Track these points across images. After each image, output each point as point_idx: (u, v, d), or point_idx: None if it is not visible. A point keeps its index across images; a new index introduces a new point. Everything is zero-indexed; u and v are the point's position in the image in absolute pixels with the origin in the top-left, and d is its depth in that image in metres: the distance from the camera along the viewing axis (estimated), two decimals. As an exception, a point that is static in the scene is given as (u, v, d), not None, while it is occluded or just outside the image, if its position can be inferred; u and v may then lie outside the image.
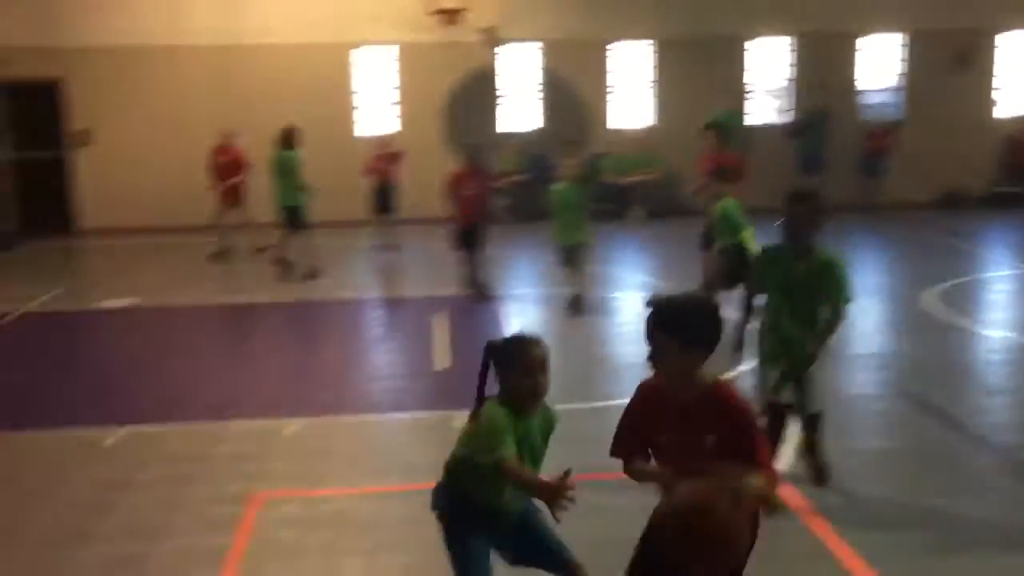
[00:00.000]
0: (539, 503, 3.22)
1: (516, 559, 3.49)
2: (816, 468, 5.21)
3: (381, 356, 8.47)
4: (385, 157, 13.30)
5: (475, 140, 10.90)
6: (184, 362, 8.27)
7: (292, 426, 6.26)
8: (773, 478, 3.06)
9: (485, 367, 3.27)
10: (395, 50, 15.91)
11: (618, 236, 14.26)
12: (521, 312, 9.55)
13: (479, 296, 10.00)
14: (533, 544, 3.42)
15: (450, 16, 14.99)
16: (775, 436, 5.05)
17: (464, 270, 10.13)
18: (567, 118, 16.14)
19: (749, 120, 16.58)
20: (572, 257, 9.51)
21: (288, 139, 11.55)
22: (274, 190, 11.52)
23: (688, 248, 10.28)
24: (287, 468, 5.61)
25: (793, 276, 5.00)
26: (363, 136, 15.50)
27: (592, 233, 9.62)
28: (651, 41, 16.44)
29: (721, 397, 3.03)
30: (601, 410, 6.52)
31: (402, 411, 6.67)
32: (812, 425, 5.20)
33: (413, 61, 15.89)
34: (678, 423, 3.06)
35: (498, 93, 16.35)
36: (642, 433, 3.16)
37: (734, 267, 7.99)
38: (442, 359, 7.97)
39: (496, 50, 15.96)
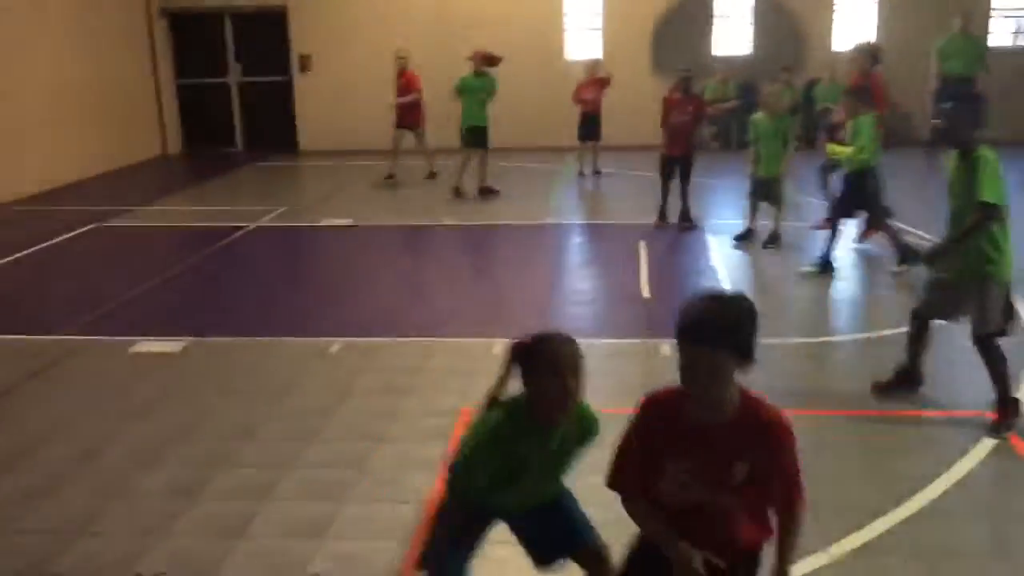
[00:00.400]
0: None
1: (539, 548, 3.08)
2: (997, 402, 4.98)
3: (585, 282, 8.51)
4: (592, 83, 13.19)
5: (687, 66, 10.54)
6: (395, 280, 8.61)
7: (499, 346, 6.41)
8: (801, 514, 2.57)
9: (507, 370, 2.83)
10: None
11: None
12: (722, 244, 9.32)
13: (683, 226, 9.88)
14: (555, 527, 3.04)
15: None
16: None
17: (668, 199, 10.01)
18: (781, 43, 15.43)
19: (988, 43, 15.26)
20: (767, 191, 9.18)
21: (482, 64, 11.87)
22: (461, 110, 11.94)
23: (904, 181, 9.70)
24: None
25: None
26: (573, 61, 15.42)
27: (789, 166, 9.24)
28: (879, -42, 15.39)
29: (758, 414, 2.48)
30: (817, 345, 6.34)
31: (606, 337, 6.69)
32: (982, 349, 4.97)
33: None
34: (698, 448, 2.49)
35: (711, 15, 15.79)
36: (650, 460, 2.56)
37: (857, 190, 8.09)
38: (646, 287, 7.94)
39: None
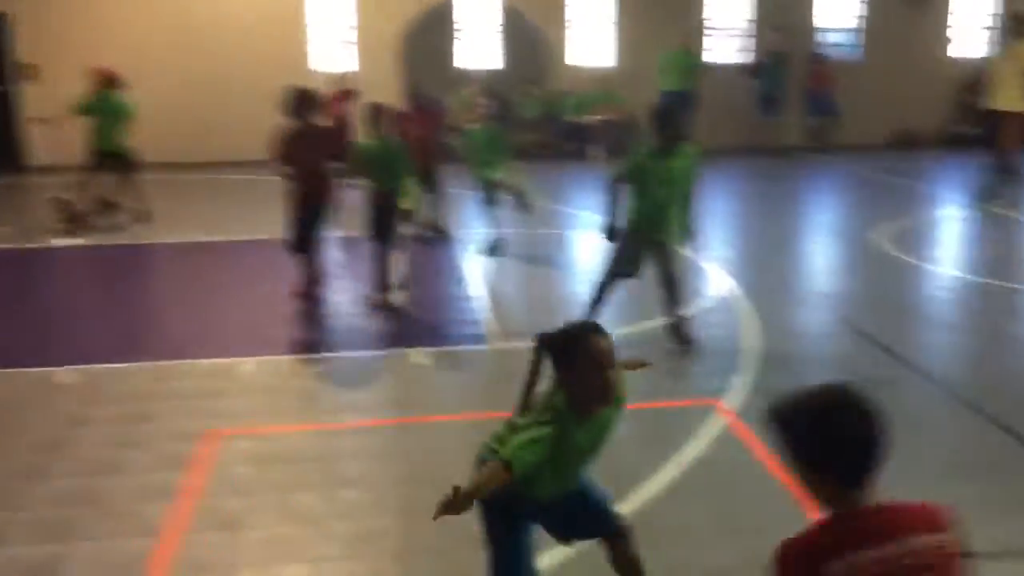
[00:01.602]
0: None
1: (564, 532, 3.20)
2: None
3: (330, 293, 8.43)
4: (341, 96, 13.12)
5: (425, 81, 10.70)
6: (125, 303, 8.16)
7: (246, 365, 6.24)
8: None
9: (537, 363, 2.85)
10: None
11: (577, 175, 14.27)
12: (467, 252, 9.54)
13: (435, 234, 10.02)
14: (581, 510, 3.12)
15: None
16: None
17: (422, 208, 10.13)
18: (529, 56, 16.00)
19: (708, 59, 16.55)
20: (489, 195, 9.54)
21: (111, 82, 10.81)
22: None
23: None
24: (243, 406, 5.61)
25: None
26: (319, 71, 15.25)
27: (508, 170, 9.62)
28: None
29: None
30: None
31: (355, 350, 6.67)
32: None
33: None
34: None
35: (456, 31, 16.12)
36: None
37: None
38: (397, 296, 7.98)
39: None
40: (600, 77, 16.25)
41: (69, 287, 8.89)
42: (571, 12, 16.38)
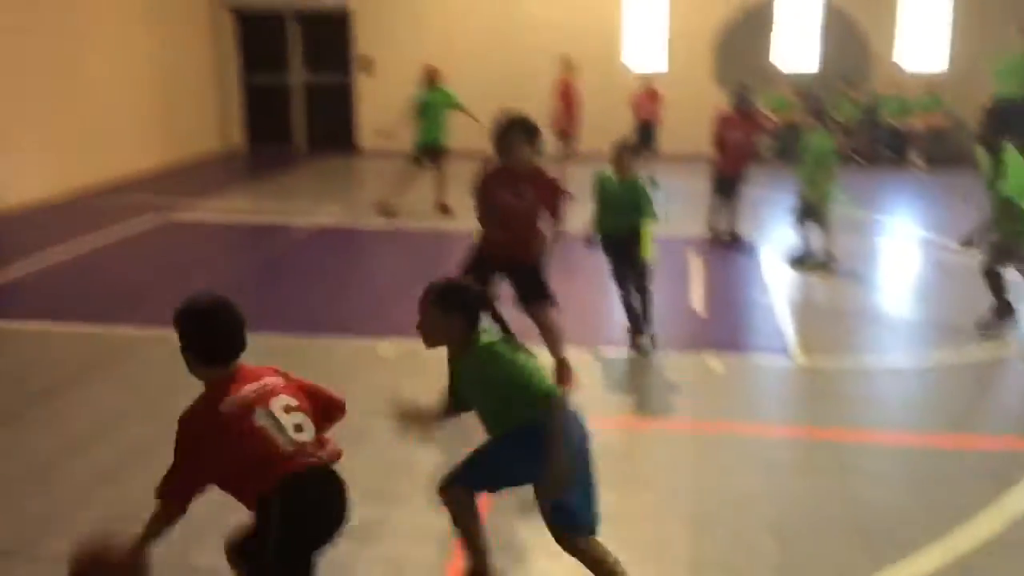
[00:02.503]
0: None
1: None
2: None
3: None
4: (648, 95, 13.19)
5: (746, 82, 10.42)
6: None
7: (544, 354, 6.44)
8: None
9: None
10: (668, -18, 15.63)
11: (894, 183, 13.48)
12: (772, 261, 9.25)
13: (731, 242, 9.82)
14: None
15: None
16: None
17: (715, 216, 9.96)
18: (848, 57, 15.28)
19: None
20: (807, 212, 8.94)
21: (430, 79, 11.35)
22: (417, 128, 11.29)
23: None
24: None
25: None
26: (632, 71, 15.42)
27: (835, 191, 8.94)
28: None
29: None
30: (861, 369, 6.28)
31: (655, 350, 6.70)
32: None
33: (686, -6, 15.55)
34: None
35: (774, 29, 15.67)
36: None
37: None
38: (697, 301, 7.92)
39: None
40: (925, 80, 15.18)
41: (388, 265, 9.61)
42: (901, 11, 15.40)
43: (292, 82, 17.08)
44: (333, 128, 17.01)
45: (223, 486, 3.02)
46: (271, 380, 3.10)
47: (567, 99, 12.48)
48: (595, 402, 5.80)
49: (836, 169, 8.91)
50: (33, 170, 11.81)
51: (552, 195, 5.60)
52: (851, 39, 15.33)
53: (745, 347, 6.84)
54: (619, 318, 6.89)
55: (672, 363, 6.44)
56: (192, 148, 15.70)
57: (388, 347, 6.51)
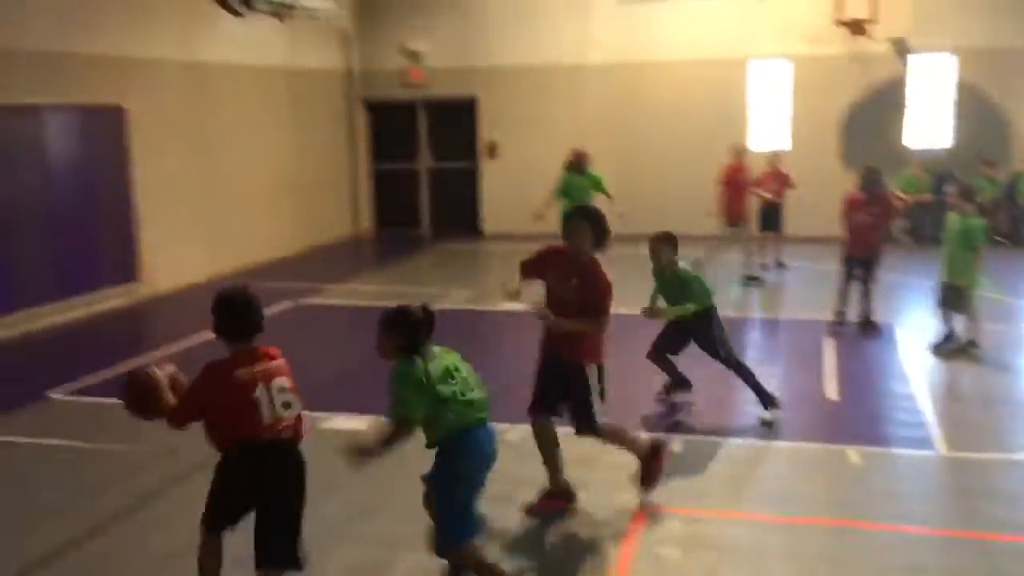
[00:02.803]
0: None
1: None
2: None
3: (765, 380, 8.28)
4: (773, 174, 13.01)
5: (872, 163, 10.09)
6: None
7: (674, 443, 6.31)
8: None
9: None
10: (790, 65, 15.50)
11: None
12: (912, 346, 8.86)
13: (865, 327, 9.45)
14: None
15: (856, 26, 14.31)
16: None
17: (844, 300, 9.60)
18: (983, 134, 14.78)
19: None
20: (950, 298, 8.56)
21: (577, 163, 11.47)
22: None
23: None
24: (670, 485, 5.65)
25: None
26: (756, 150, 15.29)
27: (981, 276, 8.52)
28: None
29: None
30: (1013, 463, 5.92)
31: (785, 440, 6.47)
32: None
33: (809, 74, 15.38)
34: None
35: (905, 107, 15.32)
36: None
37: None
38: (832, 389, 7.65)
39: (905, 61, 15.02)
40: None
41: (514, 350, 9.63)
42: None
43: (420, 168, 17.61)
44: (458, 212, 17.40)
45: (207, 428, 3.89)
46: (276, 363, 4.01)
47: (736, 185, 12.50)
48: (721, 493, 5.63)
49: (983, 252, 8.50)
50: (182, 257, 12.44)
51: (595, 291, 5.22)
52: (987, 115, 14.84)
53: (884, 438, 6.54)
54: (743, 406, 6.71)
55: (806, 453, 6.21)
56: (325, 234, 16.29)
57: (513, 433, 6.48)
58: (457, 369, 4.25)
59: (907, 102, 15.27)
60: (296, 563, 3.92)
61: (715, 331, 6.86)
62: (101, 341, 10.00)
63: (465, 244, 16.41)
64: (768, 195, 12.73)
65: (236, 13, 8.65)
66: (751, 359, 8.13)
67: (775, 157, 13.27)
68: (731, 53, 15.55)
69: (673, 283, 6.89)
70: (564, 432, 5.44)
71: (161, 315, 11.31)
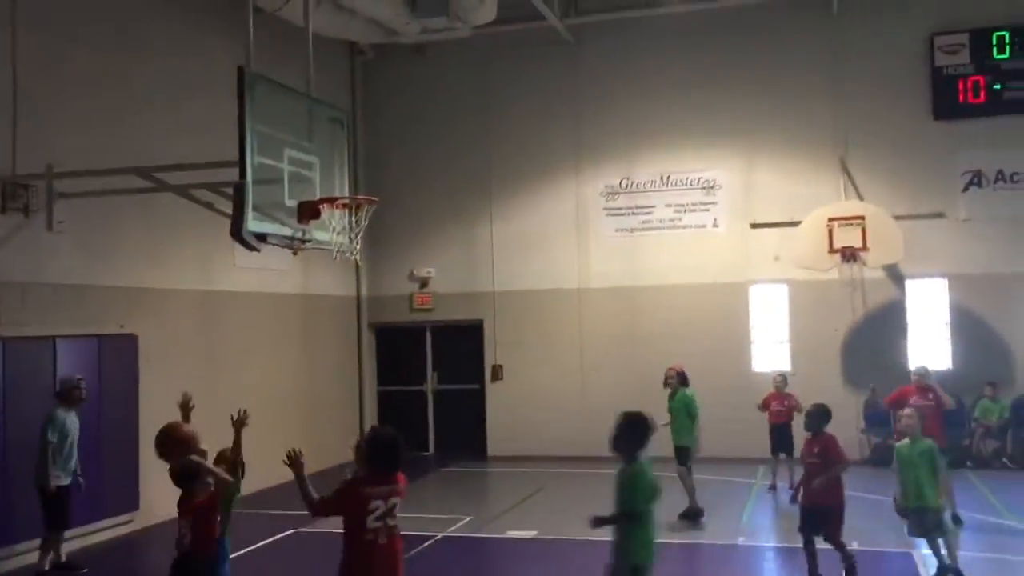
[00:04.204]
0: None
1: None
2: None
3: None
4: (781, 396, 13.07)
5: (822, 403, 9.01)
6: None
7: None
8: None
9: None
10: (785, 288, 15.92)
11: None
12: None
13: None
14: None
15: (851, 253, 14.79)
16: None
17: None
18: (981, 358, 14.94)
19: None
20: (920, 523, 8.15)
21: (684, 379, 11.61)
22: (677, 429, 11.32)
23: None
24: None
25: None
26: (760, 371, 15.41)
27: (942, 497, 8.30)
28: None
29: None
30: None
31: None
32: None
33: (808, 298, 15.74)
34: None
35: (906, 327, 15.54)
36: None
37: None
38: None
39: (901, 285, 15.42)
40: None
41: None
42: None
43: (425, 390, 17.74)
44: (463, 435, 17.35)
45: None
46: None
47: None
48: None
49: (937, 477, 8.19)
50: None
51: None
52: (984, 337, 15.04)
53: None
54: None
55: None
56: (332, 457, 16.18)
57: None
58: None
59: (907, 325, 15.52)
60: None
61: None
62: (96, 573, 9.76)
63: (470, 466, 16.23)
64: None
65: (252, 248, 9.00)
66: None
67: (780, 380, 13.38)
68: (731, 278, 16.01)
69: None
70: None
71: (157, 545, 11.04)
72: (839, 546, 8.13)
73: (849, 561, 8.15)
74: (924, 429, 8.67)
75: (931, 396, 10.59)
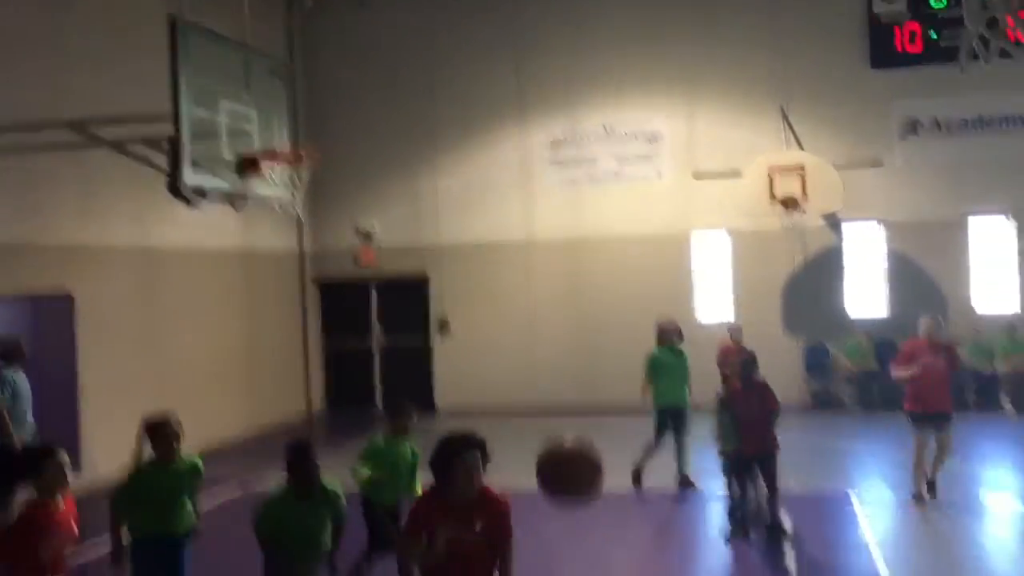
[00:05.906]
0: None
1: None
2: None
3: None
4: (739, 348, 13.10)
5: (751, 351, 9.56)
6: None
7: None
8: None
9: None
10: (729, 237, 16.09)
11: (982, 429, 13.02)
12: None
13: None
14: None
15: (791, 203, 14.96)
16: None
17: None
18: (919, 302, 15.29)
19: None
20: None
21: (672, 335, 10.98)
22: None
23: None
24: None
25: None
26: (704, 324, 15.59)
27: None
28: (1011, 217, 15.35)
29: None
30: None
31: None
32: None
33: (749, 246, 15.95)
34: None
35: (843, 276, 15.85)
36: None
37: None
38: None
39: (839, 232, 15.68)
40: (1006, 323, 15.02)
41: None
42: (971, 255, 15.49)
43: (372, 346, 17.67)
44: (411, 389, 17.34)
45: None
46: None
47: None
48: None
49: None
50: (124, 441, 12.13)
51: None
52: (920, 284, 15.38)
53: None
54: None
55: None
56: (275, 414, 16.09)
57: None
58: None
59: (844, 271, 15.82)
60: None
61: None
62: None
63: (419, 421, 16.20)
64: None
65: (190, 204, 8.81)
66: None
67: (735, 330, 13.47)
68: (675, 228, 16.13)
69: None
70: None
71: (100, 503, 10.88)
72: (776, 489, 8.34)
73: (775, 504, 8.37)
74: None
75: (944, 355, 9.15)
